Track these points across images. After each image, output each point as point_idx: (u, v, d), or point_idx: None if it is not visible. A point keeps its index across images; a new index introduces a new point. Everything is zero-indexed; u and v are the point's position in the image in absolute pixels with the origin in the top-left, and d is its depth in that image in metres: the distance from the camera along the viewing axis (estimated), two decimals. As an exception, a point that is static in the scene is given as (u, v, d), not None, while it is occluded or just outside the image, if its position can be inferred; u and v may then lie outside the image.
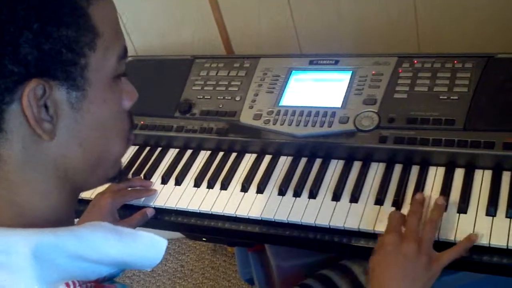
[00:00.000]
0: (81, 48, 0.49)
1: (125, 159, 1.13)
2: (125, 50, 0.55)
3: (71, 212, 0.57)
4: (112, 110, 0.54)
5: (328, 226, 0.88)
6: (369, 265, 0.77)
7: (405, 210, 0.86)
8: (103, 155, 0.56)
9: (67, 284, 0.47)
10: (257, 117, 1.05)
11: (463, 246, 0.77)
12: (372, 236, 0.85)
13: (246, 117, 1.06)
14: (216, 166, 1.05)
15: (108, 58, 0.52)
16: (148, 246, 0.53)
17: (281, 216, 0.91)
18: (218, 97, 1.12)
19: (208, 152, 1.09)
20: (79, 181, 0.55)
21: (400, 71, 1.01)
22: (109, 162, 0.57)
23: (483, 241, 0.78)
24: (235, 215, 0.95)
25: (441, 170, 0.90)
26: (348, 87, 1.03)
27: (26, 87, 0.46)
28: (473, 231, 0.79)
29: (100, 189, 0.99)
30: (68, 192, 0.54)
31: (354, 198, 0.90)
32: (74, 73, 0.49)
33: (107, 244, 0.50)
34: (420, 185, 0.89)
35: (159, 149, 1.14)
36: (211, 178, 1.02)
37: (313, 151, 1.00)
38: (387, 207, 0.87)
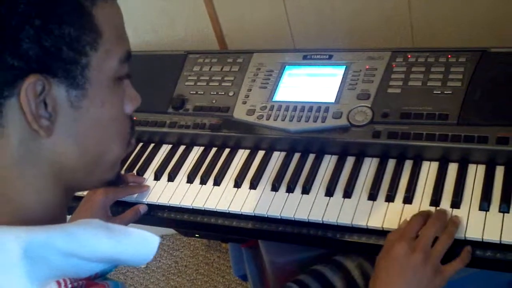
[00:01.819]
0: (83, 47, 0.50)
1: (117, 155, 1.12)
2: (128, 54, 0.56)
3: (64, 210, 0.57)
4: (112, 111, 0.55)
5: (321, 222, 0.87)
6: (374, 267, 0.77)
7: (397, 205, 0.86)
8: (101, 156, 0.56)
9: (58, 282, 0.46)
10: (251, 112, 1.04)
11: (466, 258, 0.77)
12: (365, 231, 0.85)
13: (239, 113, 1.05)
14: (209, 162, 1.04)
15: (110, 59, 0.53)
16: (140, 243, 0.53)
17: (274, 212, 0.91)
18: (211, 93, 1.11)
19: (201, 148, 1.08)
20: (74, 180, 0.55)
21: (394, 65, 1.01)
22: (107, 164, 0.57)
23: (476, 236, 0.78)
24: (228, 211, 0.94)
25: (434, 165, 0.90)
26: (341, 82, 1.02)
27: (25, 82, 0.47)
28: (466, 226, 0.79)
29: (92, 185, 0.99)
30: (62, 190, 0.54)
31: (347, 194, 0.90)
32: (74, 71, 0.50)
33: (98, 241, 0.50)
34: (413, 180, 0.88)
35: (152, 145, 1.13)
36: (204, 174, 1.02)
37: (306, 147, 1.00)
38: (380, 203, 0.87)
